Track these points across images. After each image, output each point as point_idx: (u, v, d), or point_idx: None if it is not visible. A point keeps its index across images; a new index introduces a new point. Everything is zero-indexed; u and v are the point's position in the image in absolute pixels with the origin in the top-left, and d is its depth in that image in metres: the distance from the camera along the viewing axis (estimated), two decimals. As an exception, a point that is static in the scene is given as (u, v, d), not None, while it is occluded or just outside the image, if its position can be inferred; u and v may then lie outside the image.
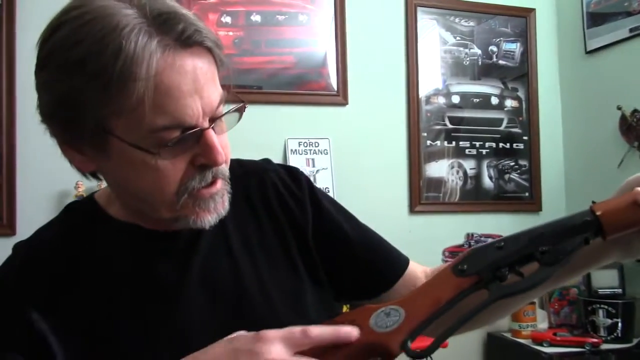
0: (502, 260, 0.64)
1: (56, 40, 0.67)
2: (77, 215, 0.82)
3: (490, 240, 0.70)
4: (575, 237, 0.65)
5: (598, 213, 0.66)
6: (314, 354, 0.60)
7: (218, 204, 0.74)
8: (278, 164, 0.93)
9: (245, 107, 0.76)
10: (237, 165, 0.88)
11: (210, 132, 0.70)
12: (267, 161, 0.94)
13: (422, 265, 0.95)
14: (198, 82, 0.68)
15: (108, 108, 0.65)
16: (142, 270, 0.76)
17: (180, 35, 0.66)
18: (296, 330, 0.60)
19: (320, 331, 0.60)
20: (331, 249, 0.87)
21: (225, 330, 0.65)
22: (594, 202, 0.68)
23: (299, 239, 0.86)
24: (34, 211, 2.20)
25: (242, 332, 0.63)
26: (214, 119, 0.71)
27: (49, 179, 2.26)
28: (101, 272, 0.76)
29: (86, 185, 2.17)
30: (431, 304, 0.63)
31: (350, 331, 0.61)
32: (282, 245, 0.85)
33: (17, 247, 0.79)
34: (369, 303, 0.67)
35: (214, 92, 0.70)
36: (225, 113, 0.73)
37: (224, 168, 0.75)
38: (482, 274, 0.64)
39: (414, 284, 0.87)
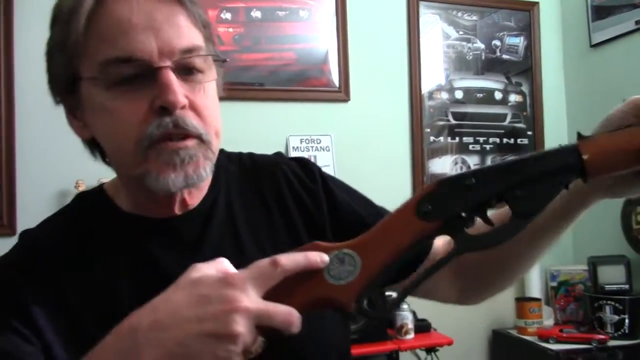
0: (471, 203, 0.58)
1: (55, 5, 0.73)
2: (85, 205, 0.82)
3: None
4: (553, 179, 0.58)
5: (585, 157, 0.58)
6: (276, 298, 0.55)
7: (186, 163, 0.69)
8: (290, 157, 0.92)
9: (224, 61, 0.77)
10: (249, 160, 0.89)
11: (168, 72, 0.67)
12: (279, 155, 0.93)
13: None
14: (154, 19, 0.68)
15: (72, 48, 0.68)
16: (146, 263, 0.76)
17: None
18: (264, 263, 0.56)
19: (289, 259, 0.56)
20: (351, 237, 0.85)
21: None
22: (580, 135, 0.60)
23: (314, 237, 0.84)
24: (34, 211, 2.17)
25: (204, 270, 0.56)
26: (178, 64, 0.69)
27: (48, 178, 2.25)
28: (106, 264, 0.75)
29: (86, 183, 2.15)
30: (389, 252, 0.58)
31: (318, 256, 0.57)
32: (295, 242, 0.83)
33: (25, 235, 0.78)
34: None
35: (176, 35, 0.69)
36: (191, 56, 0.70)
37: (196, 125, 0.70)
38: (447, 218, 0.58)
39: (434, 257, 0.84)
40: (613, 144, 0.60)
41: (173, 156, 0.69)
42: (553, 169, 0.59)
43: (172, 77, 0.67)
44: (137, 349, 0.53)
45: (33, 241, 0.77)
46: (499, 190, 0.58)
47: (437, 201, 0.58)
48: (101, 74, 0.67)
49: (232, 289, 0.53)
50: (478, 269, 0.85)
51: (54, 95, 0.75)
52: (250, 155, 0.90)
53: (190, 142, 0.70)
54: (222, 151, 0.86)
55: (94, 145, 0.78)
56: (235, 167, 0.88)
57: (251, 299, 0.53)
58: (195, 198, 0.80)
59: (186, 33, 0.70)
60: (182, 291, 0.55)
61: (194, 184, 0.72)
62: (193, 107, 0.71)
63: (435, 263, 0.59)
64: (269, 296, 0.55)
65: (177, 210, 0.78)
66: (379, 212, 0.89)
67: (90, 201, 0.82)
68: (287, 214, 0.84)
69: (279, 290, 0.56)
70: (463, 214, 0.58)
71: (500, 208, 0.60)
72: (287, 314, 0.54)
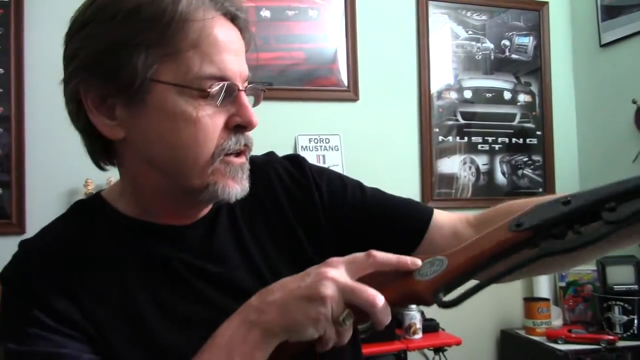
0: (563, 217, 0.59)
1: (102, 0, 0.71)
2: (87, 211, 0.82)
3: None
4: None
5: None
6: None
7: (244, 176, 0.76)
8: (282, 156, 0.93)
9: (264, 91, 0.82)
10: None
11: (244, 95, 0.75)
12: (271, 154, 0.94)
13: None
14: (237, 46, 0.75)
15: (161, 50, 0.69)
16: (157, 262, 0.77)
17: (222, 4, 0.73)
18: (360, 253, 0.66)
19: (383, 254, 0.65)
20: (350, 224, 0.87)
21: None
22: None
23: (310, 234, 0.86)
24: (43, 210, 2.19)
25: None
26: (245, 88, 0.76)
27: (58, 177, 2.26)
28: (115, 265, 0.76)
29: (95, 182, 2.17)
30: (473, 255, 0.62)
31: (411, 259, 0.65)
32: (292, 239, 0.86)
33: (27, 244, 0.78)
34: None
35: (245, 64, 0.76)
36: (256, 83, 0.78)
37: (252, 140, 0.77)
38: (538, 229, 0.60)
39: (443, 234, 0.86)
40: None
41: (238, 170, 0.75)
42: None
43: (247, 100, 0.75)
44: (257, 310, 0.65)
45: (41, 249, 0.76)
46: (593, 203, 0.59)
47: (530, 215, 0.61)
48: (193, 84, 0.70)
49: (328, 267, 0.64)
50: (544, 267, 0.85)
51: (91, 82, 0.72)
52: None
53: (244, 157, 0.77)
54: None
55: (107, 148, 0.78)
56: None
57: (341, 275, 0.63)
58: (209, 206, 0.83)
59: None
60: (293, 276, 0.66)
61: (245, 195, 0.78)
62: None
63: (516, 264, 0.61)
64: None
65: (187, 220, 0.81)
66: (376, 194, 0.91)
67: (91, 207, 0.82)
68: (282, 213, 0.86)
69: (373, 283, 0.63)
70: (554, 229, 0.59)
71: (595, 225, 0.59)
72: (371, 294, 0.62)
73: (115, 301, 0.73)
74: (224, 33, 0.73)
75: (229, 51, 0.73)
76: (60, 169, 2.27)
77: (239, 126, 0.74)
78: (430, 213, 0.89)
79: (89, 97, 0.72)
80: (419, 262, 0.65)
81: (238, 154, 0.75)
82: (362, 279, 0.64)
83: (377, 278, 0.64)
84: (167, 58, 0.70)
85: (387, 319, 0.63)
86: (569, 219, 0.59)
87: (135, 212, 0.79)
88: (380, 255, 0.65)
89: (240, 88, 0.74)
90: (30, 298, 0.71)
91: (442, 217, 0.89)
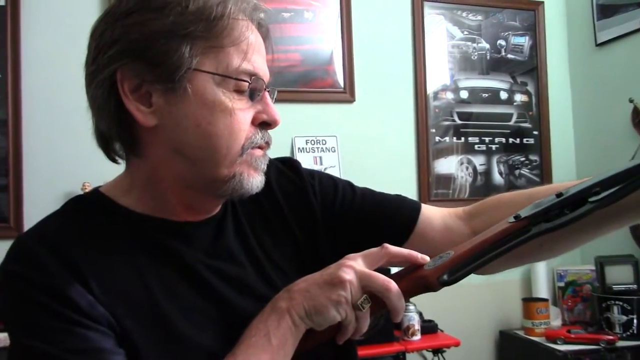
0: (555, 205, 0.67)
1: None
2: (85, 207, 0.80)
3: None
4: (632, 179, 0.66)
5: None
6: None
7: (264, 168, 0.81)
8: (275, 158, 0.94)
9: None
10: None
11: (269, 95, 0.81)
12: None
13: None
14: (265, 52, 0.81)
15: (207, 42, 0.74)
16: (171, 256, 0.78)
17: (255, 12, 0.80)
18: (374, 248, 0.74)
19: (395, 247, 0.74)
20: (341, 223, 0.90)
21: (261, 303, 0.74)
22: None
23: (308, 234, 0.89)
24: (41, 213, 2.15)
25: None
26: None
27: (55, 180, 2.26)
28: (126, 259, 0.75)
29: (93, 184, 2.15)
30: (477, 245, 0.69)
31: (421, 256, 0.72)
32: (291, 239, 0.88)
33: (29, 238, 0.75)
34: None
35: (267, 67, 0.81)
36: (273, 88, 0.84)
37: (271, 138, 0.83)
38: (532, 218, 0.67)
39: (433, 227, 0.90)
40: None
41: (260, 162, 0.80)
42: (634, 170, 0.66)
43: (271, 100, 0.81)
44: (285, 299, 0.71)
45: (44, 243, 0.73)
46: (583, 189, 0.66)
47: (528, 209, 0.69)
48: (233, 77, 0.75)
49: (347, 259, 0.72)
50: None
51: (135, 66, 0.74)
52: None
53: (265, 153, 0.82)
54: None
55: (130, 136, 0.78)
56: None
57: (358, 264, 0.71)
58: (219, 206, 0.85)
59: None
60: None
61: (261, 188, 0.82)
62: None
63: (508, 245, 0.69)
64: None
65: (200, 217, 0.83)
66: (366, 192, 0.95)
67: (89, 203, 0.81)
68: (281, 214, 0.89)
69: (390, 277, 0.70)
70: (547, 215, 0.67)
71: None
72: (385, 280, 0.69)
73: (132, 294, 0.73)
74: (255, 37, 0.79)
75: (259, 53, 0.79)
76: (58, 172, 2.27)
77: (263, 123, 0.80)
78: (419, 207, 0.92)
79: (125, 83, 0.74)
80: (427, 258, 0.72)
81: (260, 147, 0.80)
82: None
83: (391, 276, 0.72)
84: (210, 50, 0.74)
85: (401, 305, 0.70)
86: (560, 206, 0.67)
87: (146, 208, 0.79)
88: (393, 247, 0.73)
89: (267, 88, 0.80)
90: (51, 292, 0.68)
91: (431, 211, 0.92)
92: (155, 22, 0.72)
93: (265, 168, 0.82)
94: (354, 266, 0.70)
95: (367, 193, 0.94)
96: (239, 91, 0.76)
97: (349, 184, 0.95)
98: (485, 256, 0.69)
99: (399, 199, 0.94)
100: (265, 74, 0.79)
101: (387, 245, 0.73)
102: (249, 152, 0.78)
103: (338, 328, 0.71)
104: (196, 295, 0.77)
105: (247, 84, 0.76)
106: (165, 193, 0.79)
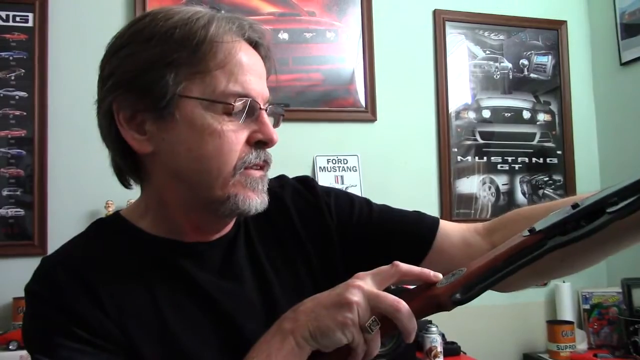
0: (571, 217, 0.63)
1: (140, 25, 0.78)
2: (108, 229, 0.85)
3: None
4: None
5: None
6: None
7: (264, 189, 0.80)
8: (293, 177, 0.96)
9: (283, 115, 0.87)
10: None
11: (265, 114, 0.80)
12: (282, 177, 0.97)
13: None
14: (260, 69, 0.81)
15: (191, 68, 0.75)
16: (182, 277, 0.80)
17: (246, 32, 0.80)
18: (385, 266, 0.70)
19: (407, 265, 0.70)
20: (358, 239, 0.90)
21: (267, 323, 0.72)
22: None
23: (323, 252, 0.89)
24: (64, 231, 2.18)
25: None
26: (266, 108, 0.81)
27: (79, 199, 2.29)
28: (140, 280, 0.78)
29: (116, 204, 2.18)
30: (490, 261, 0.66)
31: (433, 273, 0.69)
32: (304, 258, 0.89)
33: (52, 260, 0.79)
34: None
35: (266, 88, 0.81)
36: (274, 103, 0.83)
37: (271, 157, 0.82)
38: (548, 231, 0.64)
39: (452, 243, 0.89)
40: None
41: (258, 183, 0.79)
42: None
43: (268, 119, 0.80)
44: (290, 320, 0.69)
45: (68, 265, 0.77)
46: (599, 200, 0.63)
47: (543, 221, 0.66)
48: (220, 100, 0.75)
49: (355, 278, 0.69)
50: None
51: (128, 98, 0.77)
52: None
53: (265, 170, 0.82)
54: None
55: (135, 163, 0.82)
56: None
57: (367, 284, 0.67)
58: (230, 226, 0.86)
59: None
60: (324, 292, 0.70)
61: (264, 208, 0.81)
62: None
63: (523, 260, 0.65)
64: None
65: (210, 237, 0.84)
66: (384, 208, 0.94)
67: (112, 226, 0.85)
68: (294, 232, 0.90)
69: (401, 296, 0.67)
70: (563, 227, 0.64)
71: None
72: (394, 301, 0.65)
73: (143, 313, 0.76)
74: (248, 56, 0.79)
75: (252, 72, 0.78)
76: (82, 190, 2.29)
77: (260, 142, 0.79)
78: (437, 222, 0.91)
79: (121, 113, 0.77)
80: (440, 275, 0.69)
81: (258, 168, 0.80)
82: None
83: (402, 294, 0.68)
84: (196, 76, 0.75)
85: (412, 326, 0.66)
86: (576, 219, 0.63)
87: (160, 231, 0.82)
88: (404, 265, 0.70)
89: (263, 107, 0.79)
90: (66, 312, 0.72)
91: (450, 227, 0.92)
92: (144, 53, 0.76)
93: (265, 188, 0.81)
94: (362, 286, 0.67)
95: (385, 209, 0.94)
96: (228, 113, 0.76)
97: (366, 201, 0.95)
98: (499, 272, 0.65)
99: (417, 215, 0.94)
100: (260, 93, 0.79)
101: (397, 262, 0.70)
102: (244, 173, 0.78)
103: (348, 351, 0.67)
104: (204, 314, 0.79)
105: (232, 106, 0.75)
106: (173, 216, 0.82)
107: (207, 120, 0.75)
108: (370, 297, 0.66)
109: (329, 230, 0.90)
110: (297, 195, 0.93)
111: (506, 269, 0.65)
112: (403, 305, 0.65)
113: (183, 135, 0.76)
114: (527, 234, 0.65)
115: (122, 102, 0.77)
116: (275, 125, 0.83)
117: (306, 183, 0.95)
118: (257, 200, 0.79)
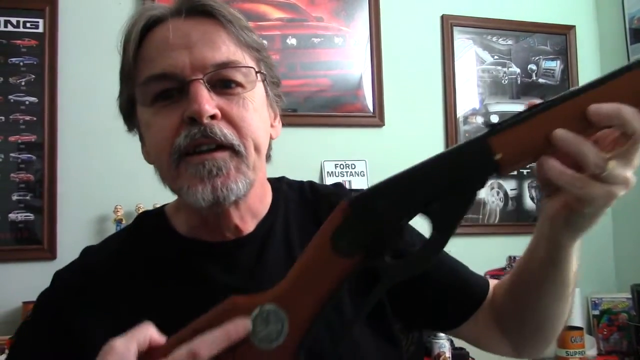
0: (386, 225, 0.55)
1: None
2: (143, 227, 0.85)
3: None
4: (467, 186, 0.54)
5: (497, 157, 0.54)
6: None
7: (214, 175, 0.69)
8: (350, 189, 0.92)
9: (258, 74, 0.76)
10: (310, 189, 0.89)
11: (197, 84, 0.69)
12: (339, 185, 0.93)
13: None
14: (189, 38, 0.71)
15: (126, 77, 0.75)
16: (203, 284, 0.77)
17: (182, 6, 0.74)
18: (181, 354, 0.53)
19: (209, 346, 0.53)
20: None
21: None
22: (489, 126, 0.55)
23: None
24: (74, 236, 2.22)
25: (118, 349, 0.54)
26: (211, 77, 0.71)
27: (88, 204, 2.29)
28: (161, 284, 0.77)
29: (125, 209, 2.19)
30: (315, 301, 0.54)
31: (240, 326, 0.54)
32: None
33: (87, 251, 0.82)
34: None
35: (210, 51, 0.71)
36: (225, 69, 0.72)
37: (227, 134, 0.70)
38: (368, 249, 0.54)
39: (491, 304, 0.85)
40: (523, 136, 0.55)
41: (199, 167, 0.69)
42: (467, 175, 0.55)
43: (200, 89, 0.69)
44: None
45: (92, 259, 0.80)
46: (413, 199, 0.57)
47: (351, 232, 0.55)
48: (141, 92, 0.73)
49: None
50: (517, 324, 0.83)
51: (126, 125, 0.81)
52: (311, 184, 0.91)
53: (220, 154, 0.70)
54: (283, 179, 0.89)
55: None
56: (296, 195, 0.88)
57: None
58: (248, 224, 0.80)
59: (223, 49, 0.73)
60: None
61: (225, 199, 0.70)
62: (227, 118, 0.71)
63: (368, 298, 0.55)
64: None
65: (231, 235, 0.79)
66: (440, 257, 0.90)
67: (148, 223, 0.85)
68: None
69: None
70: (381, 241, 0.55)
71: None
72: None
73: (159, 316, 0.72)
74: (166, 31, 0.72)
75: (170, 47, 0.71)
76: (91, 195, 2.30)
77: (192, 119, 0.69)
78: (486, 291, 0.86)
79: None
80: (248, 324, 0.54)
81: (214, 149, 0.70)
82: None
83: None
84: (132, 80, 0.76)
85: None
86: (392, 227, 0.56)
87: (187, 230, 0.81)
88: (206, 349, 0.52)
89: (192, 78, 0.69)
90: (56, 326, 0.74)
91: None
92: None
93: (224, 171, 0.69)
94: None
95: (440, 259, 0.85)
96: (155, 100, 0.72)
97: (417, 234, 0.87)
98: (326, 311, 0.55)
99: (465, 278, 0.89)
100: (184, 64, 0.70)
101: (198, 351, 0.52)
102: (187, 160, 0.70)
103: None
104: None
105: (152, 91, 0.71)
106: (190, 215, 0.80)
107: (144, 116, 0.75)
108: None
109: None
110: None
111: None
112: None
113: (144, 139, 0.79)
114: (340, 252, 0.55)
115: (125, 124, 0.83)
116: (229, 92, 0.73)
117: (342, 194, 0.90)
118: (202, 190, 0.69)
